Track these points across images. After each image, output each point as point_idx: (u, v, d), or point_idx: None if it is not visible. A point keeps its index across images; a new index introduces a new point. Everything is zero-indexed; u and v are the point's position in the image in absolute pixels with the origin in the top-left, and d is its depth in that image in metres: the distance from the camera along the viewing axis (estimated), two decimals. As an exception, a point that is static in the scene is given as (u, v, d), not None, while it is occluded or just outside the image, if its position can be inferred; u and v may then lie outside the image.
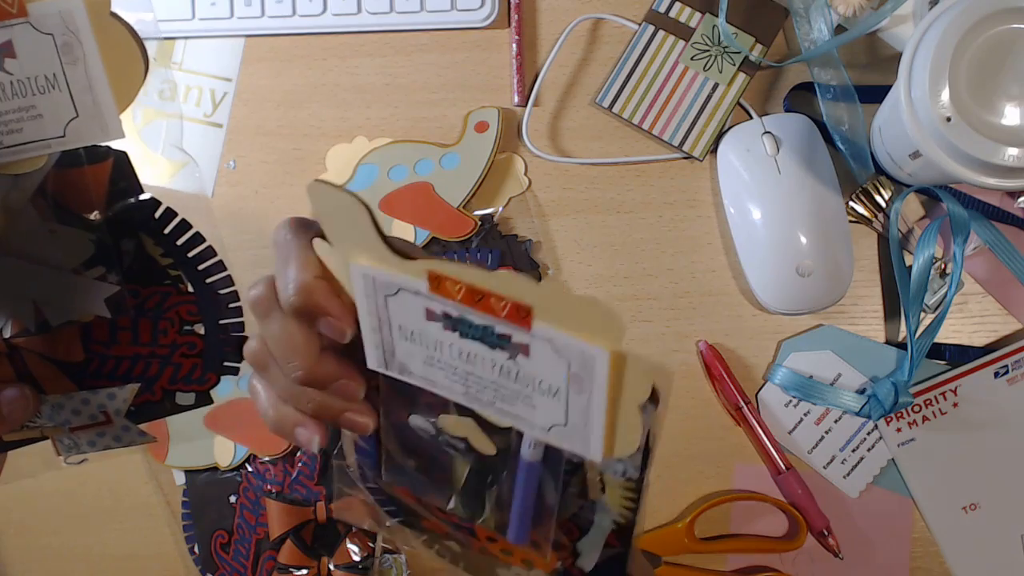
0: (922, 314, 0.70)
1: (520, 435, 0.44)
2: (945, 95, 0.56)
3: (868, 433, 0.72)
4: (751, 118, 0.73)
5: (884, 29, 0.70)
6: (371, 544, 0.75)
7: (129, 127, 0.55)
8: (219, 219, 0.76)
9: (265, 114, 0.77)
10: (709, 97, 0.72)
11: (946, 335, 0.72)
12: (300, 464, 0.75)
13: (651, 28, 0.73)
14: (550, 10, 0.76)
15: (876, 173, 0.71)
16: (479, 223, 0.73)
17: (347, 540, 0.75)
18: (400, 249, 0.37)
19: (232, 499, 0.77)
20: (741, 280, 0.73)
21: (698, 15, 0.73)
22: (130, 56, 0.53)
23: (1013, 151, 0.56)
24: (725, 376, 0.72)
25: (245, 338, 0.55)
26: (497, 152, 0.73)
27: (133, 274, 0.59)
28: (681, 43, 0.73)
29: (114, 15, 0.53)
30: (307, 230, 0.41)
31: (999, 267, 0.70)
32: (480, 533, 0.51)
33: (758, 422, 0.72)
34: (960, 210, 0.67)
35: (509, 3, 0.75)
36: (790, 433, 0.72)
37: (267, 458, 0.76)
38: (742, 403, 0.72)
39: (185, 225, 0.59)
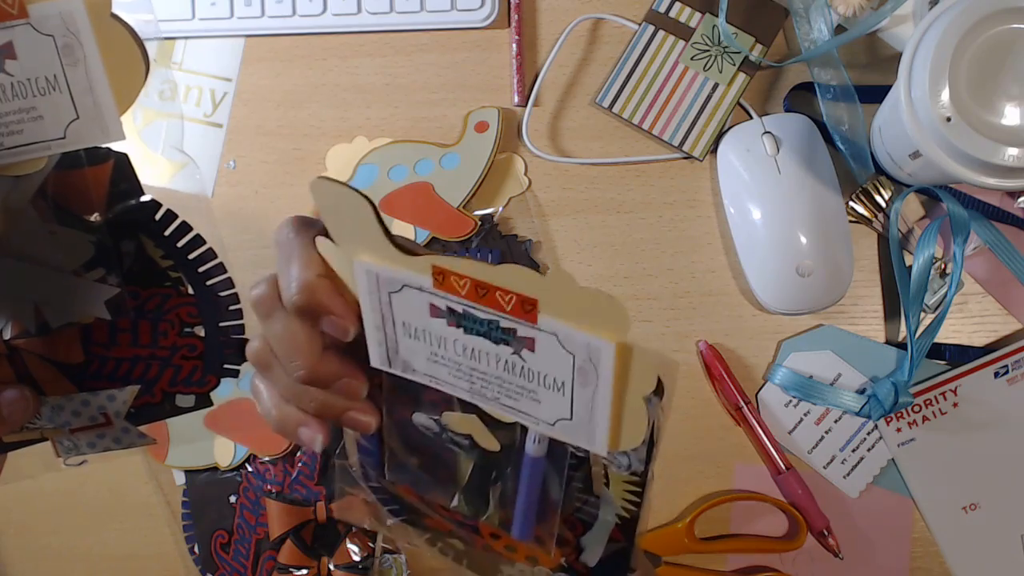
0: (922, 314, 0.70)
1: (524, 431, 0.44)
2: (945, 95, 0.56)
3: (868, 433, 0.72)
4: (751, 118, 0.73)
5: (884, 29, 0.70)
6: (371, 544, 0.75)
7: (129, 127, 0.55)
8: (219, 219, 0.76)
9: (265, 114, 0.77)
10: (709, 97, 0.72)
11: (946, 335, 0.72)
12: (300, 464, 0.75)
13: (651, 28, 0.73)
14: (550, 10, 0.76)
15: (876, 173, 0.71)
16: (479, 223, 0.73)
17: (347, 540, 0.75)
18: (404, 245, 0.37)
19: (232, 499, 0.77)
20: (741, 280, 0.73)
21: (698, 15, 0.73)
22: (131, 58, 0.53)
23: (1013, 151, 0.56)
24: (725, 376, 0.72)
25: (245, 340, 0.54)
26: (497, 152, 0.73)
27: (133, 276, 0.59)
28: (681, 43, 0.73)
29: (115, 16, 0.52)
30: (309, 228, 0.41)
31: (999, 267, 0.70)
32: (484, 530, 0.51)
33: (758, 422, 0.72)
34: (960, 210, 0.67)
35: (509, 3, 0.75)
36: (790, 433, 0.73)
37: (267, 458, 0.76)
38: (742, 403, 0.72)
39: (186, 227, 0.59)
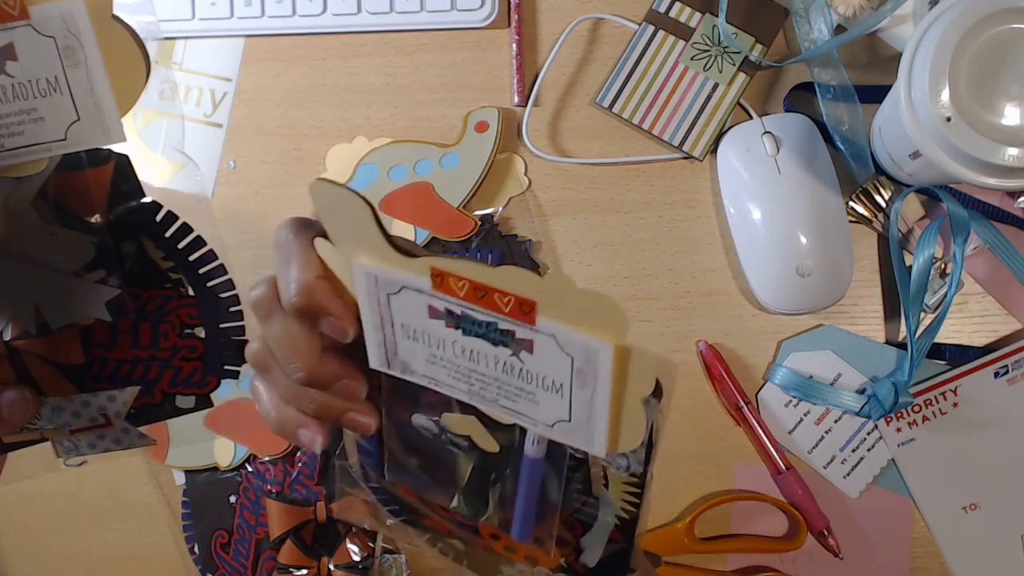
0: (922, 314, 0.70)
1: (523, 432, 0.44)
2: (945, 95, 0.56)
3: (868, 433, 0.72)
4: (751, 118, 0.73)
5: (884, 29, 0.70)
6: (371, 544, 0.75)
7: (129, 127, 0.55)
8: (219, 219, 0.76)
9: (265, 114, 0.77)
10: (709, 97, 0.72)
11: (946, 335, 0.72)
12: (300, 464, 0.75)
13: (651, 28, 0.73)
14: (550, 10, 0.76)
15: (876, 173, 0.71)
16: (479, 223, 0.73)
17: (347, 540, 0.75)
18: (403, 247, 0.37)
19: (232, 499, 0.77)
20: (741, 280, 0.73)
21: (698, 15, 0.73)
22: (132, 59, 0.53)
23: (1013, 151, 0.56)
24: (725, 376, 0.72)
25: (246, 342, 0.54)
26: (497, 152, 0.73)
27: (134, 277, 0.59)
28: (681, 43, 0.73)
29: (116, 18, 0.52)
30: (308, 230, 0.41)
31: (999, 267, 0.70)
32: (483, 531, 0.51)
33: (758, 422, 0.72)
34: (960, 210, 0.67)
35: (509, 3, 0.75)
36: (790, 433, 0.73)
37: (267, 458, 0.76)
38: (742, 403, 0.72)
39: (186, 228, 0.59)
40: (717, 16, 0.71)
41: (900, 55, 0.59)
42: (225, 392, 0.73)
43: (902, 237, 0.70)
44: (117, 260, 0.58)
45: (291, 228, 0.41)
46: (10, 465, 0.63)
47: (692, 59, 0.72)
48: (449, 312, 0.37)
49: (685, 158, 0.74)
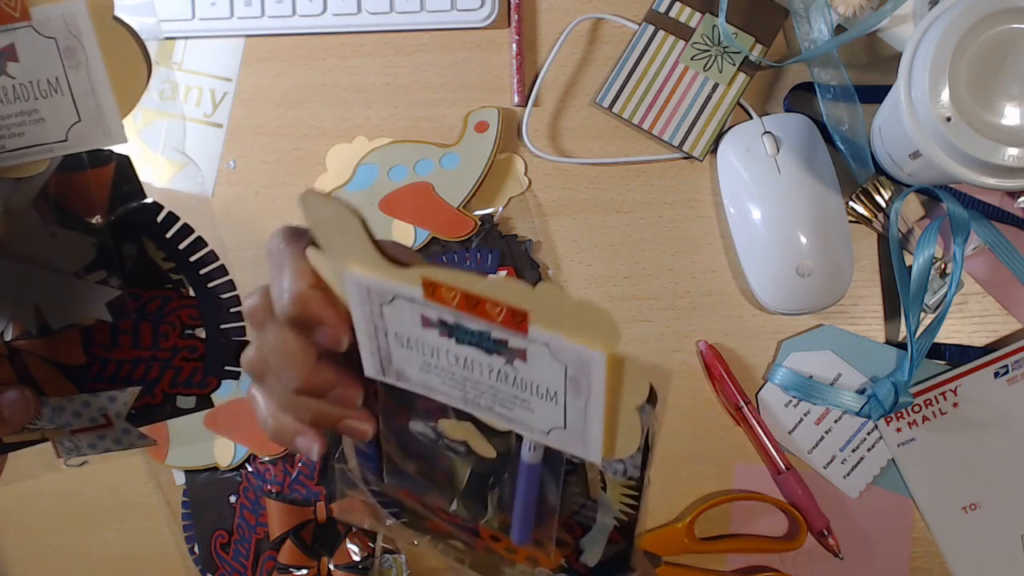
0: (922, 314, 0.70)
1: (520, 437, 0.44)
2: (945, 95, 0.56)
3: (868, 433, 0.72)
4: (751, 118, 0.73)
5: (884, 29, 0.70)
6: (371, 544, 0.75)
7: (129, 128, 0.55)
8: (219, 219, 0.76)
9: (265, 114, 0.77)
10: (709, 97, 0.72)
11: (946, 335, 0.72)
12: (300, 464, 0.75)
13: (651, 28, 0.73)
14: (550, 10, 0.76)
15: (876, 173, 0.71)
16: (479, 223, 0.73)
17: (347, 540, 0.75)
18: (394, 256, 0.37)
19: (232, 499, 0.77)
20: (741, 280, 0.73)
21: (698, 15, 0.73)
22: (133, 60, 0.53)
23: (1013, 151, 0.56)
24: (725, 376, 0.72)
25: (246, 342, 0.54)
26: (497, 152, 0.73)
27: (135, 278, 0.59)
28: (681, 43, 0.73)
29: (117, 19, 0.52)
30: (300, 239, 0.41)
31: (999, 267, 0.71)
32: (483, 533, 0.51)
33: (758, 422, 0.72)
34: (960, 210, 0.67)
35: (509, 3, 0.75)
36: (790, 433, 0.73)
37: (267, 458, 0.76)
38: (742, 403, 0.72)
39: (187, 229, 0.59)
40: (717, 16, 0.71)
41: (900, 55, 0.59)
42: (225, 392, 0.73)
43: (902, 237, 0.71)
44: (118, 261, 0.58)
45: (283, 237, 0.41)
46: (11, 465, 0.63)
47: (692, 59, 0.72)
48: (442, 322, 0.37)
49: (685, 158, 0.74)
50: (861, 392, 0.71)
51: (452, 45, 0.76)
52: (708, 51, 0.72)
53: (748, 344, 0.74)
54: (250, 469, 0.76)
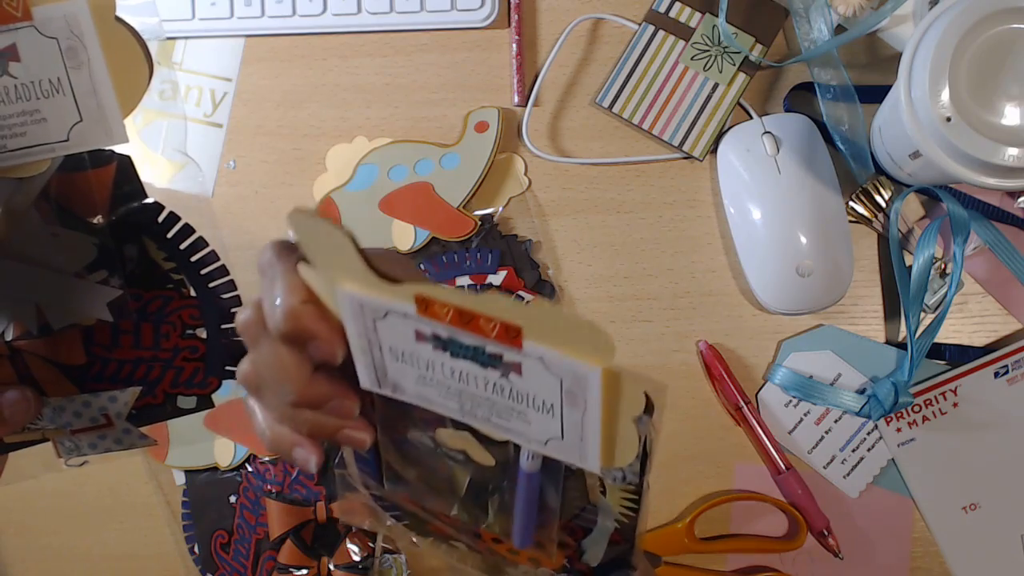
0: (922, 314, 0.70)
1: (518, 446, 0.44)
2: (945, 95, 0.56)
3: (868, 433, 0.72)
4: (751, 118, 0.73)
5: (884, 29, 0.70)
6: (371, 544, 0.75)
7: (129, 127, 0.55)
8: (219, 219, 0.76)
9: (265, 114, 0.77)
10: (709, 97, 0.72)
11: (946, 335, 0.72)
12: (300, 464, 0.75)
13: (651, 28, 0.73)
14: (550, 10, 0.76)
15: (876, 173, 0.71)
16: (479, 223, 0.73)
17: (347, 540, 0.75)
18: (386, 272, 0.37)
19: (232, 499, 0.77)
20: (741, 280, 0.73)
21: (698, 15, 0.73)
22: (134, 60, 0.53)
23: (1013, 151, 0.56)
24: (725, 376, 0.72)
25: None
26: (497, 152, 0.73)
27: (136, 278, 0.59)
28: (681, 43, 0.73)
29: (119, 19, 0.52)
30: (291, 253, 0.40)
31: (999, 267, 0.71)
32: (485, 535, 0.51)
33: (758, 422, 0.72)
34: (960, 210, 0.67)
35: (509, 3, 0.75)
36: (790, 433, 0.73)
37: (267, 458, 0.76)
38: (742, 403, 0.72)
39: (188, 229, 0.59)
40: (717, 16, 0.71)
41: (900, 55, 0.59)
42: (226, 392, 0.73)
43: (902, 237, 0.71)
44: (119, 261, 0.58)
45: (274, 252, 0.40)
46: (11, 465, 0.63)
47: (692, 59, 0.72)
48: (436, 336, 0.37)
49: (685, 158, 0.74)
50: (861, 392, 0.71)
51: (452, 45, 0.76)
52: (708, 51, 0.72)
53: (748, 344, 0.74)
54: (250, 469, 0.76)
